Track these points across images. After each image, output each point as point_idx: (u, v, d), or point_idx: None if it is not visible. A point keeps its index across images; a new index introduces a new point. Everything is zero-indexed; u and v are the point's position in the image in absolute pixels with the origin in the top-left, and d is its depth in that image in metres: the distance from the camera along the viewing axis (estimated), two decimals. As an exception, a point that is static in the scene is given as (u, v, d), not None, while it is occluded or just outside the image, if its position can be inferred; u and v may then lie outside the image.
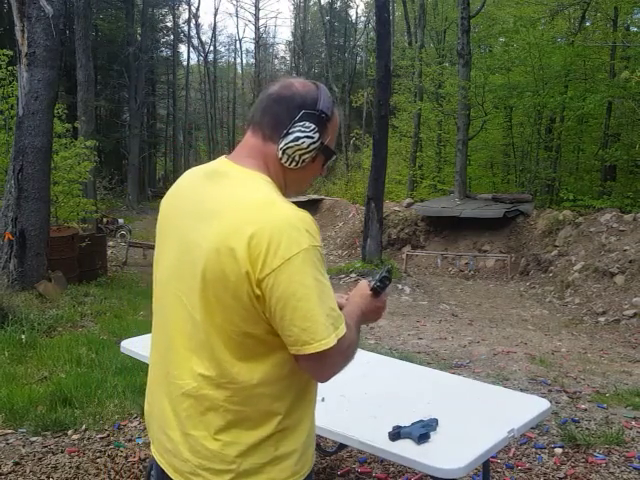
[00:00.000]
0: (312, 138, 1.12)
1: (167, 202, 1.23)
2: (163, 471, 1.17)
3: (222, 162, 1.17)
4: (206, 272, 1.04)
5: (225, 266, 1.02)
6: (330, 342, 1.02)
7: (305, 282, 1.01)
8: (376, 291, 1.24)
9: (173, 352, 1.13)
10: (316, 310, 1.01)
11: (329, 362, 1.07)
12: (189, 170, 1.26)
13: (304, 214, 1.06)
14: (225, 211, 1.06)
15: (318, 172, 1.22)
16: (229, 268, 1.02)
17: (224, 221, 1.04)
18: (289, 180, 1.18)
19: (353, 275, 9.67)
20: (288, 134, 1.12)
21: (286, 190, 1.17)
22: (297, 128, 1.11)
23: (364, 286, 1.26)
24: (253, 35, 39.23)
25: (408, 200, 15.97)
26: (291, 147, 1.12)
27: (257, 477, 1.08)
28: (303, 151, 1.13)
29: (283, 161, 1.13)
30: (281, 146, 1.12)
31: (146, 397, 1.26)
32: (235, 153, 1.18)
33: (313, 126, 1.12)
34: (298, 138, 1.11)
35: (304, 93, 1.14)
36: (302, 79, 1.18)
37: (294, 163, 1.14)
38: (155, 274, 1.22)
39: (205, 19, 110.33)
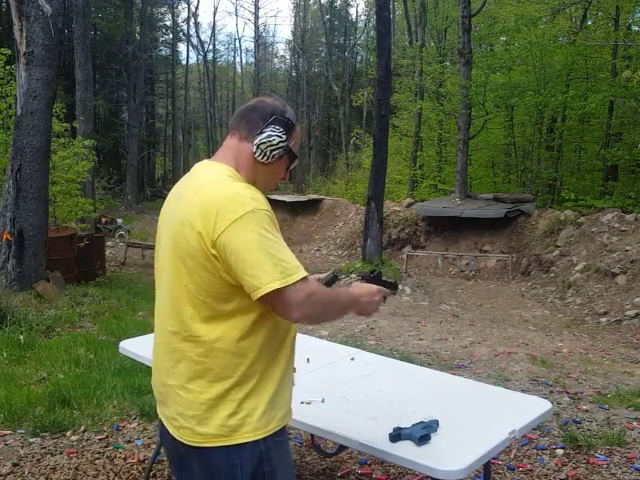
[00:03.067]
0: (281, 138, 1.38)
1: (163, 208, 1.48)
2: (161, 422, 1.42)
3: (201, 162, 1.45)
4: (174, 242, 1.31)
5: (187, 234, 1.27)
6: (274, 285, 1.20)
7: (250, 237, 1.21)
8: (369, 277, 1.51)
9: (158, 315, 1.41)
10: (261, 260, 1.20)
11: (287, 302, 1.23)
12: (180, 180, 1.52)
13: (251, 188, 1.31)
14: (188, 193, 1.34)
15: (282, 173, 1.47)
16: (189, 235, 1.26)
17: (186, 200, 1.32)
18: (259, 174, 1.41)
19: (353, 275, 9.64)
20: (262, 132, 1.38)
21: (257, 184, 1.39)
22: (269, 128, 1.38)
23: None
24: (253, 34, 39.23)
25: (408, 200, 15.94)
26: (264, 143, 1.37)
27: (219, 427, 1.26)
28: (273, 147, 1.38)
29: (256, 155, 1.38)
30: (256, 142, 1.37)
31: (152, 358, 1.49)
32: (214, 155, 1.44)
33: (282, 129, 1.39)
34: (270, 136, 1.37)
35: (274, 105, 1.42)
36: (274, 97, 1.46)
37: (265, 157, 1.38)
38: (156, 265, 1.46)
39: (204, 18, 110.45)
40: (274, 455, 1.30)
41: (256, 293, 1.21)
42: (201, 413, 1.27)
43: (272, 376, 1.32)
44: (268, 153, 1.38)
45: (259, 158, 1.38)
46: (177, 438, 1.33)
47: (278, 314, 1.27)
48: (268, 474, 1.29)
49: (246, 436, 1.27)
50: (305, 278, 1.25)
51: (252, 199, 1.25)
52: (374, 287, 1.48)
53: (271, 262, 1.21)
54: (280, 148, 1.39)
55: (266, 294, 1.21)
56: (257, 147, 1.37)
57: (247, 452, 1.27)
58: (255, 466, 1.28)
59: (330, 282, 1.53)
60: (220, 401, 1.27)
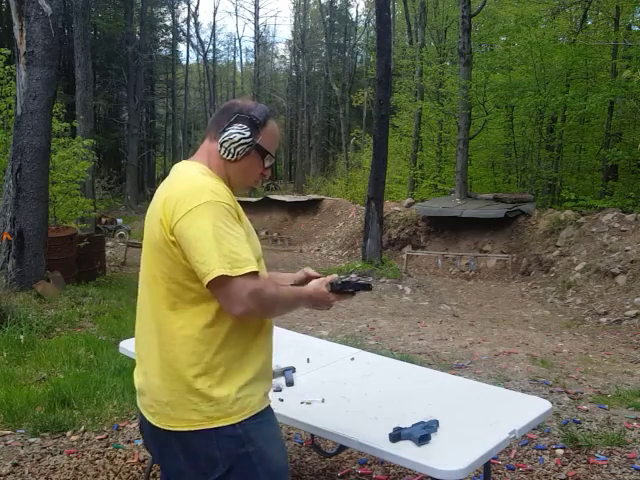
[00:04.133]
0: (243, 134, 1.41)
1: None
2: (140, 411, 1.47)
3: (179, 162, 1.52)
4: (147, 235, 1.39)
5: (153, 225, 1.36)
6: (219, 272, 1.24)
7: (203, 227, 1.26)
8: (332, 286, 1.49)
9: (139, 305, 1.48)
10: (211, 248, 1.25)
11: (232, 295, 1.27)
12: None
13: (217, 183, 1.36)
14: (161, 191, 1.40)
15: (259, 169, 1.48)
16: (155, 225, 1.34)
17: (158, 197, 1.39)
18: (231, 172, 1.45)
19: (353, 275, 9.62)
20: (225, 131, 1.43)
21: (232, 182, 1.45)
22: (232, 127, 1.42)
23: (328, 278, 1.53)
24: (253, 34, 39.22)
25: (408, 200, 15.94)
26: (226, 140, 1.42)
27: (192, 412, 1.31)
28: (236, 144, 1.41)
29: (221, 153, 1.43)
30: (220, 140, 1.43)
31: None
32: (192, 156, 1.50)
33: (245, 126, 1.42)
34: (231, 133, 1.41)
35: (242, 105, 1.46)
36: (249, 98, 1.53)
37: (230, 155, 1.42)
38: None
39: (204, 18, 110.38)
40: (255, 435, 1.34)
41: (205, 279, 1.26)
42: (174, 399, 1.32)
43: (244, 364, 1.36)
44: (232, 150, 1.41)
45: (224, 156, 1.42)
46: (154, 424, 1.38)
47: (223, 304, 1.30)
48: (254, 454, 1.32)
49: (220, 421, 1.31)
50: (254, 273, 1.28)
51: (212, 191, 1.30)
52: (329, 296, 1.49)
53: (220, 251, 1.25)
54: (244, 144, 1.41)
55: (212, 281, 1.25)
56: (221, 145, 1.42)
57: (225, 436, 1.31)
58: (236, 448, 1.31)
59: (343, 286, 1.52)
60: (190, 388, 1.31)
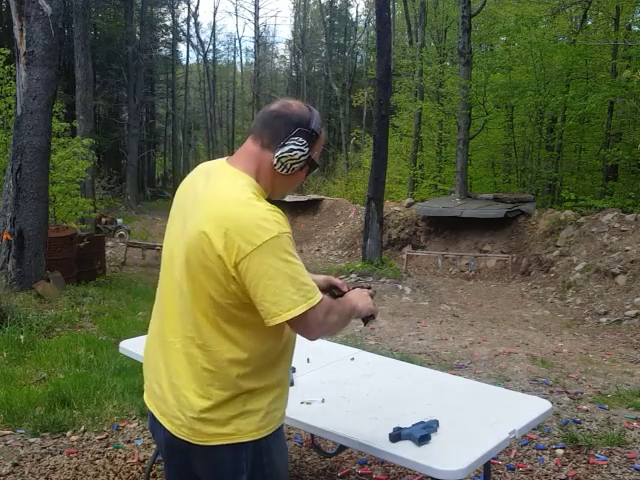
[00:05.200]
0: (303, 151, 1.36)
1: (178, 193, 1.47)
2: (152, 413, 1.44)
3: (220, 162, 1.43)
4: (189, 251, 1.30)
5: (207, 251, 1.26)
6: (296, 312, 1.23)
7: (275, 264, 1.22)
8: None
9: (166, 316, 1.40)
10: (284, 287, 1.23)
11: (311, 324, 1.28)
12: (199, 165, 1.50)
13: (273, 208, 1.28)
14: (207, 202, 1.30)
15: (301, 180, 1.46)
16: (207, 249, 1.26)
17: (205, 209, 1.29)
18: (277, 184, 1.40)
19: (353, 275, 9.64)
20: (284, 145, 1.35)
21: (272, 192, 1.41)
22: (292, 141, 1.35)
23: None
24: (253, 34, 39.21)
25: (408, 200, 15.94)
26: (285, 156, 1.35)
27: (225, 427, 1.31)
28: (294, 161, 1.36)
29: (277, 167, 1.36)
30: (277, 154, 1.35)
31: (144, 352, 1.52)
32: (235, 156, 1.41)
33: (305, 142, 1.36)
34: (292, 150, 1.35)
35: (300, 113, 1.37)
36: (299, 101, 1.42)
37: (285, 170, 1.37)
38: (163, 252, 1.46)
39: (204, 18, 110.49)
40: (273, 447, 1.38)
41: (275, 319, 1.25)
42: (206, 415, 1.31)
43: (274, 381, 1.38)
44: (289, 166, 1.36)
45: (279, 170, 1.36)
46: (177, 435, 1.36)
47: (300, 334, 1.34)
48: (267, 465, 1.37)
49: (250, 435, 1.33)
50: (321, 299, 1.29)
51: (277, 222, 1.25)
52: (364, 292, 1.54)
53: (294, 287, 1.24)
54: (301, 161, 1.37)
55: (289, 320, 1.25)
56: (278, 160, 1.35)
57: (251, 448, 1.34)
58: (256, 459, 1.35)
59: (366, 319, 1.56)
60: (224, 405, 1.32)
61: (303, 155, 1.36)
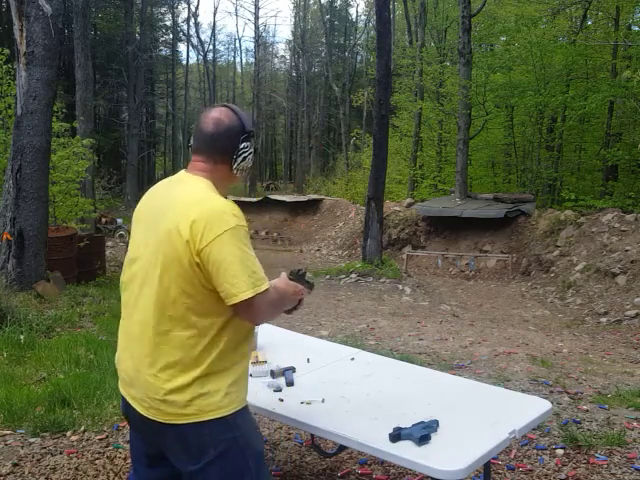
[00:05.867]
0: (251, 151, 1.60)
1: (140, 205, 1.66)
2: (124, 399, 1.59)
3: (182, 173, 1.62)
4: (162, 247, 1.46)
5: (175, 242, 1.43)
6: (249, 294, 1.41)
7: (232, 251, 1.41)
8: (291, 273, 1.72)
9: (137, 308, 1.54)
10: (240, 271, 1.41)
11: (256, 310, 1.46)
12: (157, 183, 1.69)
13: (231, 204, 1.47)
14: (176, 204, 1.49)
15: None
16: (177, 242, 1.43)
17: (175, 211, 1.47)
18: (231, 182, 1.63)
19: (353, 275, 9.64)
20: (238, 157, 1.57)
21: (224, 189, 1.60)
22: (242, 152, 1.57)
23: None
24: (253, 34, 39.17)
25: (409, 200, 15.94)
26: (242, 165, 1.59)
27: (187, 408, 1.44)
28: (248, 162, 1.61)
29: (237, 174, 1.60)
30: (235, 167, 1.58)
31: (118, 345, 1.64)
32: (190, 168, 1.60)
33: (249, 143, 1.59)
34: (245, 158, 1.59)
35: (235, 124, 1.57)
36: (220, 108, 1.59)
37: (243, 173, 1.61)
38: (128, 255, 1.62)
39: (204, 18, 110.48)
40: (241, 423, 1.51)
41: (232, 299, 1.42)
42: (170, 397, 1.45)
43: (233, 366, 1.51)
44: (245, 168, 1.61)
45: (238, 175, 1.61)
46: (147, 416, 1.50)
47: (244, 318, 1.49)
48: (240, 437, 1.49)
49: (210, 414, 1.46)
50: (268, 289, 1.47)
51: (235, 216, 1.44)
52: (299, 287, 1.69)
53: (246, 273, 1.42)
54: (252, 159, 1.62)
55: (240, 301, 1.41)
56: (237, 170, 1.59)
57: (216, 425, 1.46)
58: (226, 434, 1.47)
59: (299, 277, 1.73)
60: (186, 387, 1.45)
61: (251, 153, 1.60)
